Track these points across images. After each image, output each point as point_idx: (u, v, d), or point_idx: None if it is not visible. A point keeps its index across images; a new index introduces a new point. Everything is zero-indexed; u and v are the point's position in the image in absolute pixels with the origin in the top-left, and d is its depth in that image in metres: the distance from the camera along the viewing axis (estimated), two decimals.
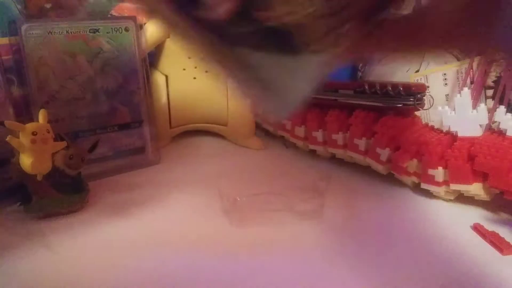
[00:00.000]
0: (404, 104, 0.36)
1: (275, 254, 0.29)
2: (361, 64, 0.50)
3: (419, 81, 0.45)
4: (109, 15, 0.44)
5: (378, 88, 0.37)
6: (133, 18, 0.39)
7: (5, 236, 0.31)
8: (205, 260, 0.28)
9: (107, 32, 0.38)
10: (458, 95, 0.34)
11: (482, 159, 0.30)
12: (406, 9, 0.22)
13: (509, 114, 0.33)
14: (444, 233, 0.31)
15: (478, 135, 0.33)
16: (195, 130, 0.49)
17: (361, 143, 0.38)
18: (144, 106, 0.41)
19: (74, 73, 0.37)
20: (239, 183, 0.39)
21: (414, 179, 0.36)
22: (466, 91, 0.34)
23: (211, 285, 0.26)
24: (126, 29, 0.38)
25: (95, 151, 0.35)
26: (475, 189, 0.32)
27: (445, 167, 0.33)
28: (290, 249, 0.30)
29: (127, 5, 0.46)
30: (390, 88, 0.37)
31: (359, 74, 0.50)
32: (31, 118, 0.33)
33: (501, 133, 0.33)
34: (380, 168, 0.37)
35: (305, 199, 0.36)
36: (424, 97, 0.37)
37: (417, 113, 0.40)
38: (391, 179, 0.38)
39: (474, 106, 0.36)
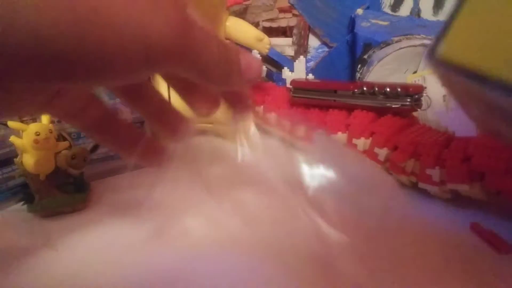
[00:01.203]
0: (402, 105, 0.37)
1: (275, 254, 0.29)
2: (359, 65, 0.50)
3: (416, 82, 0.46)
4: None
5: (377, 89, 0.38)
6: None
7: (8, 235, 0.31)
8: (205, 260, 0.29)
9: None
10: None
11: (479, 159, 0.31)
12: None
13: None
14: (441, 232, 0.32)
15: (475, 135, 0.34)
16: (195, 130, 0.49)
17: (360, 143, 0.38)
18: None
19: None
20: (239, 183, 0.39)
21: (412, 178, 0.36)
22: None
23: (211, 284, 0.26)
24: None
25: (97, 151, 0.36)
26: (472, 188, 0.32)
27: (442, 167, 0.33)
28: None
29: None
30: (388, 89, 0.37)
31: (358, 75, 0.50)
32: (34, 119, 0.33)
33: None
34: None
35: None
36: (421, 98, 0.38)
37: (414, 113, 0.40)
38: None
39: None
